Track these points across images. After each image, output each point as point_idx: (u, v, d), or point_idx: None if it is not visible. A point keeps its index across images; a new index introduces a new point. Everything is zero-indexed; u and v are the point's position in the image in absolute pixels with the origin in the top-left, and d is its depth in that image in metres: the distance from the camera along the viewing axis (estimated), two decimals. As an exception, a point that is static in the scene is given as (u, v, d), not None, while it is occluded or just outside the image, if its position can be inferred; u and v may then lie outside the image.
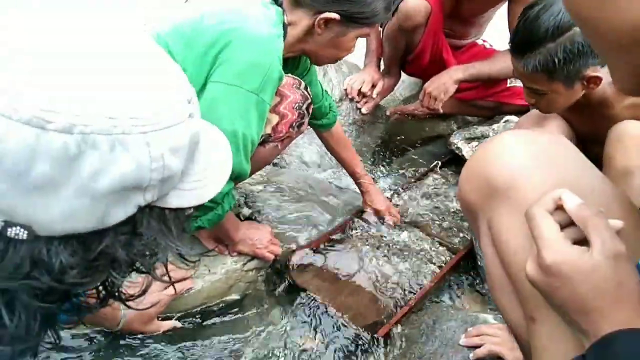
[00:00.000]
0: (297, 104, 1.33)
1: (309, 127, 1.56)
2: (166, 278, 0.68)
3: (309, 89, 1.37)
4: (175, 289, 1.19)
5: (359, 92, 2.28)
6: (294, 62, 1.47)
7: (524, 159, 0.70)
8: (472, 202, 0.77)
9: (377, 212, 1.74)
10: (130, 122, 0.48)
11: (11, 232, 0.48)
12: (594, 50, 0.57)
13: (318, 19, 1.28)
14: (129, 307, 0.67)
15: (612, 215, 0.63)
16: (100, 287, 0.60)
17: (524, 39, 1.33)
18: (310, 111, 1.38)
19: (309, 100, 1.36)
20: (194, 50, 1.16)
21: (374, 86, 2.28)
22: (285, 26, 1.28)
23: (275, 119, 1.30)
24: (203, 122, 0.64)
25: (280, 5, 1.30)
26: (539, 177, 0.69)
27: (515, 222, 0.67)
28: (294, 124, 1.33)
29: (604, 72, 1.33)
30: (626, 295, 0.55)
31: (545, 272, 0.58)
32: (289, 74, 1.35)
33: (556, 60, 1.27)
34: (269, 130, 1.29)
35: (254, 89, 1.13)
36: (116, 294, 0.62)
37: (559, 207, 0.60)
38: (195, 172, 0.59)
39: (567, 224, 0.60)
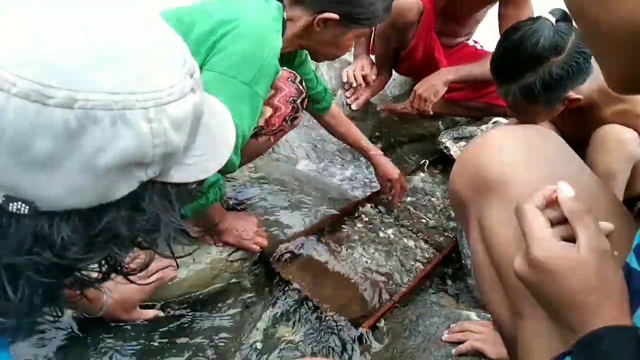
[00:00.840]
0: (291, 98, 1.32)
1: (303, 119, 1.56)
2: (172, 252, 0.68)
3: (304, 83, 1.37)
4: (177, 264, 1.18)
5: (363, 77, 2.27)
6: (290, 55, 1.46)
7: (516, 154, 0.71)
8: (463, 196, 0.77)
9: (390, 182, 1.75)
10: (131, 97, 0.47)
11: (13, 207, 0.47)
12: (588, 46, 0.58)
13: (317, 18, 1.28)
14: (131, 281, 0.67)
15: (599, 211, 0.64)
16: (103, 262, 0.60)
17: (504, 69, 1.37)
18: (305, 105, 1.38)
19: (304, 95, 1.36)
20: (192, 37, 1.15)
21: (372, 69, 2.31)
22: (284, 22, 1.28)
23: (268, 111, 1.29)
24: (205, 95, 0.63)
25: (280, 0, 1.29)
26: (531, 172, 0.69)
27: (505, 218, 0.68)
28: (287, 118, 1.33)
29: (590, 79, 1.36)
30: (611, 292, 0.56)
31: (533, 267, 0.58)
32: (285, 67, 1.34)
33: (535, 90, 1.30)
34: (261, 123, 1.29)
35: (247, 80, 1.12)
36: (118, 268, 0.62)
37: (550, 204, 0.61)
38: (198, 146, 0.59)
39: (558, 221, 0.60)
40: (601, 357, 0.53)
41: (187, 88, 0.53)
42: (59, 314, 0.61)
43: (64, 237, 0.50)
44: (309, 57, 1.57)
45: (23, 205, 0.47)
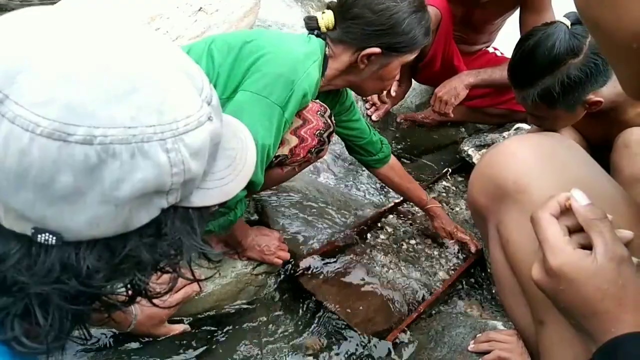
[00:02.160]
0: (318, 131, 1.34)
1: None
2: (193, 275, 0.69)
3: (332, 118, 1.38)
4: (200, 287, 1.20)
5: (379, 97, 2.28)
6: (334, 96, 1.49)
7: (533, 162, 0.71)
8: (481, 205, 0.77)
9: (448, 234, 1.71)
10: (149, 129, 0.49)
11: (41, 238, 0.50)
12: (602, 53, 0.58)
13: (360, 55, 1.29)
14: (155, 305, 0.69)
15: (620, 218, 0.63)
16: (128, 287, 0.62)
17: (521, 74, 1.36)
18: (331, 139, 1.39)
19: (331, 129, 1.37)
20: (231, 59, 1.20)
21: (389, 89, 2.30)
22: (325, 57, 1.30)
23: (294, 141, 1.31)
24: (227, 117, 0.65)
25: (323, 38, 1.32)
26: (548, 180, 0.69)
27: (524, 225, 0.67)
28: (312, 150, 1.34)
29: (612, 82, 1.34)
30: (630, 298, 0.55)
31: (550, 275, 0.58)
32: (317, 100, 1.36)
33: (554, 94, 1.29)
34: (286, 152, 1.31)
35: (279, 101, 1.16)
36: (143, 292, 0.64)
37: (566, 211, 0.61)
38: (219, 169, 0.60)
39: (575, 229, 0.60)
40: None
41: (204, 117, 0.55)
42: (88, 337, 0.63)
43: (89, 265, 0.52)
44: (355, 106, 1.57)
45: (50, 236, 0.50)
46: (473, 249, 1.67)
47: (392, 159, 1.67)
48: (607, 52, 0.56)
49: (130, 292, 0.63)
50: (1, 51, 0.48)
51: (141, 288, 0.62)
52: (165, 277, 0.66)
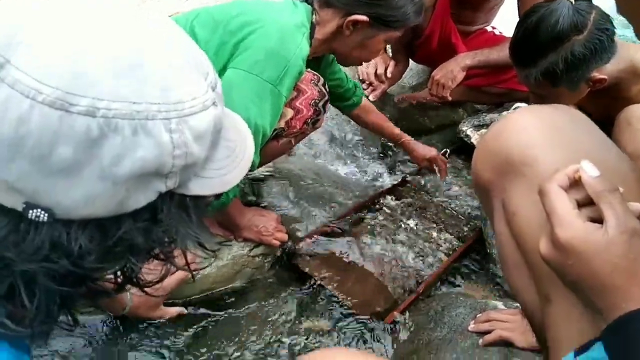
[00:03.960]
0: (313, 100, 1.31)
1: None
2: (183, 265, 0.68)
3: (326, 86, 1.35)
4: (193, 276, 1.18)
5: (376, 75, 2.25)
6: (317, 59, 1.45)
7: (539, 134, 0.68)
8: (486, 180, 0.75)
9: (430, 162, 1.84)
10: (153, 107, 0.48)
11: (32, 214, 0.48)
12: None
13: (347, 20, 1.26)
14: (147, 293, 0.67)
15: (630, 192, 0.61)
16: (118, 273, 0.60)
17: (524, 52, 1.33)
18: (327, 108, 1.36)
19: (326, 98, 1.34)
20: (217, 36, 1.16)
21: (386, 68, 2.26)
22: (313, 25, 1.27)
23: (290, 113, 1.28)
24: (227, 110, 0.63)
25: (310, 3, 1.28)
26: (555, 152, 0.66)
27: (530, 199, 0.65)
28: (308, 120, 1.31)
29: (615, 59, 1.31)
30: None
31: (559, 249, 0.56)
32: (309, 69, 1.33)
33: (558, 71, 1.27)
34: (282, 125, 1.28)
35: (271, 79, 1.12)
36: (134, 279, 0.62)
37: (574, 183, 0.58)
38: (218, 159, 0.59)
39: (586, 202, 0.58)
40: (633, 340, 0.50)
41: (209, 101, 0.53)
42: (74, 323, 0.60)
43: (81, 245, 0.50)
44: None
45: (42, 212, 0.48)
46: (443, 175, 1.86)
47: (364, 101, 1.75)
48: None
49: (120, 279, 0.61)
50: (5, 15, 0.47)
51: (133, 275, 0.60)
52: (157, 263, 0.64)
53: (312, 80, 1.31)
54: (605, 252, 0.54)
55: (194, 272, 1.29)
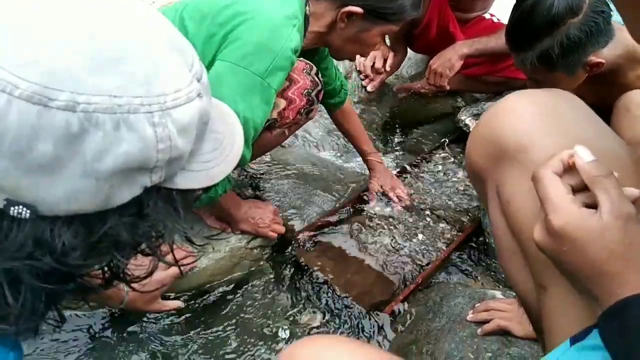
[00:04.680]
0: (306, 90, 1.29)
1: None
2: (172, 260, 0.68)
3: (319, 75, 1.33)
4: (181, 270, 1.17)
5: (373, 68, 2.23)
6: (312, 51, 1.43)
7: (534, 120, 0.67)
8: (480, 167, 0.73)
9: (383, 191, 1.71)
10: (136, 100, 0.47)
11: (14, 210, 0.47)
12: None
13: (341, 12, 1.24)
14: (133, 289, 0.67)
15: (627, 177, 0.60)
16: (105, 269, 0.59)
17: (519, 36, 1.32)
18: (320, 98, 1.34)
19: (319, 87, 1.32)
20: (205, 27, 1.14)
21: (385, 60, 2.24)
22: (307, 17, 1.24)
23: (282, 103, 1.26)
24: (215, 100, 0.62)
25: None
26: (549, 137, 0.65)
27: (525, 186, 0.64)
28: (301, 110, 1.29)
29: (612, 44, 1.30)
30: (637, 258, 0.52)
31: (553, 236, 0.55)
32: (301, 58, 1.30)
33: (554, 55, 1.26)
34: (275, 115, 1.26)
35: (260, 72, 1.10)
36: (121, 275, 0.61)
37: (569, 169, 0.57)
38: (205, 152, 0.58)
39: (580, 187, 0.57)
40: (629, 327, 0.50)
41: (194, 93, 0.53)
42: (60, 321, 0.59)
43: (65, 242, 0.49)
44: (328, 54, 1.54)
45: (24, 209, 0.47)
46: (399, 207, 1.69)
47: (347, 105, 1.69)
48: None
49: (107, 274, 0.60)
50: None
51: (119, 270, 0.60)
52: (145, 261, 0.64)
53: (304, 69, 1.30)
54: (600, 238, 0.53)
55: (189, 268, 1.29)
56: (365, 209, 1.68)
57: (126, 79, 0.47)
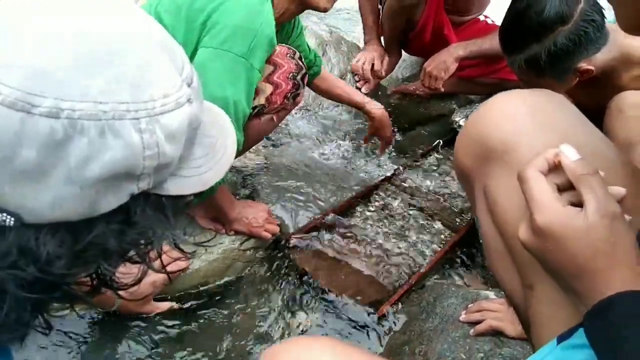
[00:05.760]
0: (291, 74, 1.29)
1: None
2: (161, 267, 0.66)
3: (303, 59, 1.34)
4: (169, 277, 1.16)
5: (372, 71, 2.21)
6: (287, 28, 1.43)
7: (521, 120, 0.67)
8: (468, 167, 0.74)
9: (379, 138, 1.84)
10: (122, 107, 0.46)
11: None
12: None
13: None
14: (120, 297, 0.65)
15: (613, 177, 0.60)
16: (93, 276, 0.58)
17: (510, 38, 1.32)
18: (305, 81, 1.35)
19: (304, 71, 1.33)
20: (182, 18, 1.15)
21: (381, 62, 2.24)
22: None
23: (269, 88, 1.27)
24: (207, 104, 0.61)
25: None
26: (536, 137, 0.65)
27: (511, 186, 0.64)
28: (288, 95, 1.30)
29: (607, 47, 1.30)
30: (622, 256, 0.52)
31: (538, 234, 0.55)
32: (283, 44, 1.32)
33: (541, 62, 1.25)
34: (262, 101, 1.26)
35: (242, 53, 1.11)
36: (108, 282, 0.59)
37: (554, 168, 0.57)
38: (196, 157, 0.57)
39: (564, 187, 0.57)
40: (613, 325, 0.50)
41: (184, 98, 0.51)
42: (48, 328, 0.57)
43: (49, 251, 0.48)
44: (303, 31, 1.56)
45: (8, 216, 0.46)
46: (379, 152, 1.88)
47: (323, 71, 1.72)
48: None
49: (95, 281, 0.59)
50: None
51: (106, 278, 0.58)
52: (134, 269, 0.62)
53: (287, 54, 1.30)
54: (586, 236, 0.53)
55: (179, 273, 1.28)
56: (359, 210, 1.68)
57: (112, 83, 0.46)
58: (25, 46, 0.44)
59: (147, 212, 0.53)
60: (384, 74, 2.26)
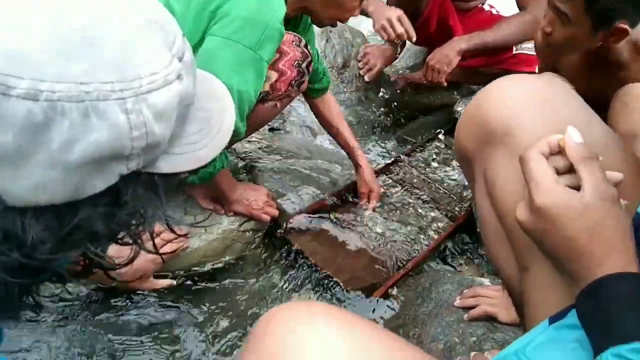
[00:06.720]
0: (296, 62, 1.30)
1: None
2: (154, 248, 0.63)
3: (309, 47, 1.34)
4: (163, 259, 1.16)
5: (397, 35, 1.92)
6: (295, 22, 1.43)
7: (522, 104, 0.68)
8: (468, 150, 0.74)
9: (366, 191, 1.64)
10: (106, 86, 0.44)
11: None
12: None
13: None
14: (110, 277, 0.64)
15: (611, 162, 0.61)
16: (82, 257, 0.56)
17: None
18: (311, 70, 1.35)
19: (309, 59, 1.33)
20: (193, 6, 1.14)
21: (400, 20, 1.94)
22: None
23: (274, 75, 1.27)
24: (203, 75, 0.60)
25: None
26: (536, 122, 0.66)
27: (511, 169, 0.65)
28: (293, 82, 1.30)
29: (634, 31, 1.26)
30: (617, 239, 0.53)
31: (535, 214, 0.56)
32: (290, 31, 1.32)
33: None
34: (267, 88, 1.27)
35: (251, 45, 1.11)
36: (99, 264, 0.57)
37: (555, 152, 0.58)
38: (190, 133, 0.55)
39: (565, 170, 0.58)
40: (603, 305, 0.51)
41: (173, 74, 0.49)
42: (38, 308, 0.56)
43: (34, 235, 0.47)
44: (314, 34, 1.53)
45: None
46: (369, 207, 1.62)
47: (328, 94, 1.61)
48: None
49: (86, 262, 0.57)
50: None
51: (97, 260, 0.56)
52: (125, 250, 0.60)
53: (293, 41, 1.30)
54: (582, 218, 0.54)
55: (173, 255, 1.28)
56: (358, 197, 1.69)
57: (95, 62, 0.44)
58: (0, 28, 0.43)
59: (138, 192, 0.52)
60: (413, 36, 1.94)
